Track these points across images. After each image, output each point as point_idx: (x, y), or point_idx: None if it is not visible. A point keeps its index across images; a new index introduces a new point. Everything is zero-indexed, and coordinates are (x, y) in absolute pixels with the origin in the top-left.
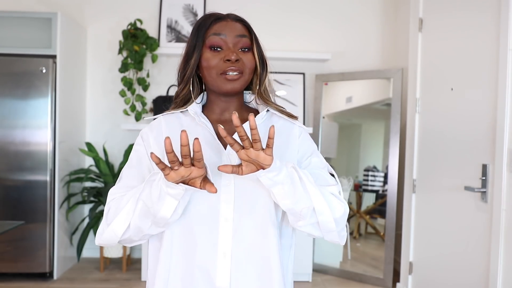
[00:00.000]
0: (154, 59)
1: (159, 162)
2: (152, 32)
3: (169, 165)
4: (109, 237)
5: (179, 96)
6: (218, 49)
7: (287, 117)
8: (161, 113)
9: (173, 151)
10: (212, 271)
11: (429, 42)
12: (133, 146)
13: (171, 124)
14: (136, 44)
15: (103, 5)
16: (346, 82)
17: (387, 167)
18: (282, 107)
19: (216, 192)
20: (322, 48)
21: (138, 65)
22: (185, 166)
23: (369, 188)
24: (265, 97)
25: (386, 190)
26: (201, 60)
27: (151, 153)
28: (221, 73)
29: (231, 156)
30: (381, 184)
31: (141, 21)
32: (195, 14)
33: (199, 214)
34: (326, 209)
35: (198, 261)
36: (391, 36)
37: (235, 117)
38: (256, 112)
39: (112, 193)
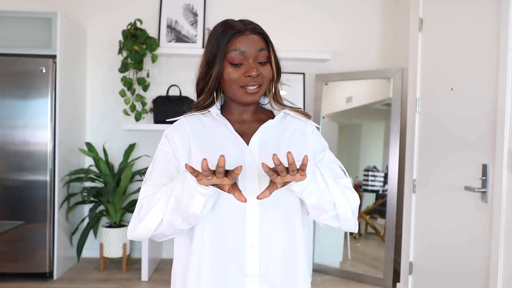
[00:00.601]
0: (154, 59)
1: (193, 171)
2: (152, 32)
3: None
4: (143, 232)
5: (202, 105)
6: (239, 64)
7: (301, 117)
8: (182, 115)
9: (208, 169)
10: (242, 260)
11: (429, 42)
12: (158, 146)
13: (193, 125)
14: (136, 44)
15: (103, 5)
16: (346, 82)
17: (387, 167)
18: (298, 107)
19: (245, 201)
20: (322, 48)
21: (138, 65)
22: (217, 177)
23: (369, 188)
24: (280, 101)
25: (386, 190)
26: (222, 72)
27: (186, 164)
28: (241, 86)
29: (253, 152)
30: (381, 184)
31: (141, 21)
32: (195, 14)
33: (228, 208)
34: (344, 202)
35: (229, 251)
36: (391, 36)
37: (276, 158)
38: (271, 114)
39: (144, 191)
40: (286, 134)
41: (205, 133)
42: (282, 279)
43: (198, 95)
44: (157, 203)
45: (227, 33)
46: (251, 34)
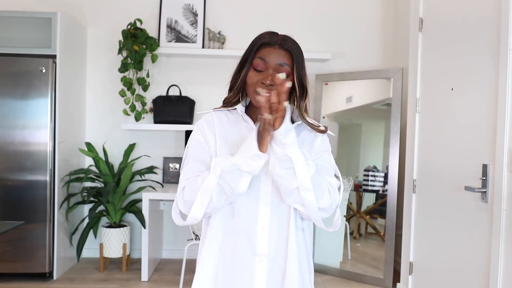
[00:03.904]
0: (154, 59)
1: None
2: (152, 32)
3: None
4: (192, 222)
5: (230, 102)
6: (260, 71)
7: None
8: (212, 108)
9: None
10: (253, 240)
11: (429, 42)
12: (192, 135)
13: (221, 119)
14: (136, 44)
15: (103, 5)
16: (346, 82)
17: (387, 167)
18: (316, 124)
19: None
20: (322, 48)
21: (138, 65)
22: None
23: (369, 188)
24: (302, 114)
25: (386, 190)
26: (247, 75)
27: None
28: (256, 90)
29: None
30: (381, 184)
31: (141, 21)
32: (195, 14)
33: (245, 197)
34: (311, 197)
35: (243, 232)
36: (391, 36)
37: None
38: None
39: (185, 173)
40: (299, 136)
41: (229, 126)
42: (284, 259)
43: (229, 92)
44: (197, 194)
45: (260, 42)
46: (278, 48)
